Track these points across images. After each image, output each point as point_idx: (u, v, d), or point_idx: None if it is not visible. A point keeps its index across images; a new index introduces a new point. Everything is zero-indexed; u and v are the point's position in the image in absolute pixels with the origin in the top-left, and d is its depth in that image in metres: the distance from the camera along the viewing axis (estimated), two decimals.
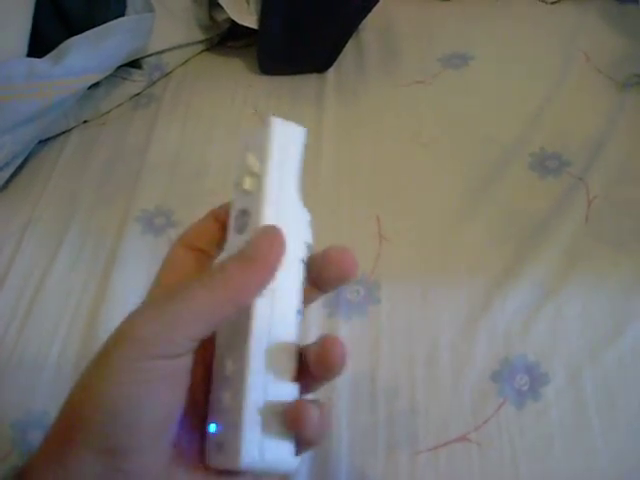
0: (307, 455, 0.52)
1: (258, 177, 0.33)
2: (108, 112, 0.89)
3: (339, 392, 0.55)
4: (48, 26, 0.78)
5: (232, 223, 0.34)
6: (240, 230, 0.33)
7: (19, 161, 0.79)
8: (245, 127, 0.83)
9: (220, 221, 0.35)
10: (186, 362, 0.29)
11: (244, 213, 0.33)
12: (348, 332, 0.60)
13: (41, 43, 0.75)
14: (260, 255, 0.30)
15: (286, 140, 0.34)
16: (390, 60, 0.92)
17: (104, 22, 0.78)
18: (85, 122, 0.87)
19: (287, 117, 0.34)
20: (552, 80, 0.84)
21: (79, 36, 0.75)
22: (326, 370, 0.32)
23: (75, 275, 0.67)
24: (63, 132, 0.86)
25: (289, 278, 0.32)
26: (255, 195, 0.33)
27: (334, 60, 0.91)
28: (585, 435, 0.51)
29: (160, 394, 0.28)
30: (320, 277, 0.34)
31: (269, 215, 0.32)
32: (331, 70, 0.91)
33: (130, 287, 0.65)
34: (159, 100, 0.90)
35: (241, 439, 0.29)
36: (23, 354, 0.61)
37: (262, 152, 0.33)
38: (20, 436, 0.55)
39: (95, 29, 0.77)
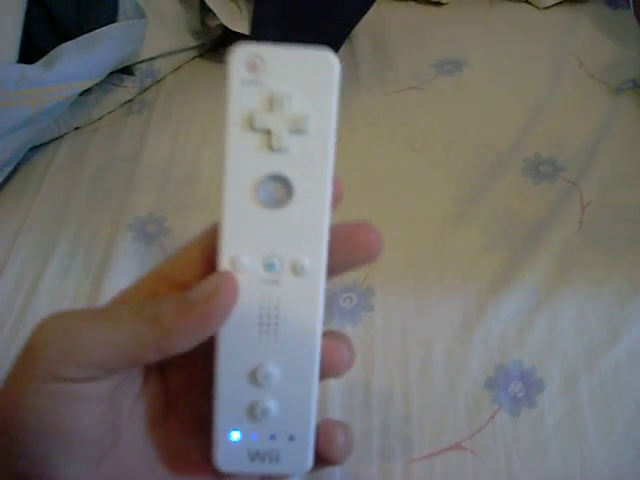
0: None
1: (309, 134, 0.26)
2: (100, 119, 0.88)
3: (333, 399, 0.54)
4: (39, 32, 0.77)
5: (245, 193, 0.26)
6: (274, 203, 0.26)
7: (10, 168, 0.78)
8: None
9: (204, 251, 0.29)
10: (102, 387, 0.27)
11: (277, 179, 0.26)
12: None
13: (32, 49, 0.75)
14: (200, 301, 0.25)
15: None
16: (383, 66, 0.92)
17: (95, 28, 0.77)
18: (77, 129, 0.87)
19: None
20: (546, 85, 0.85)
21: (70, 42, 0.75)
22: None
23: (67, 282, 0.67)
24: (55, 139, 0.85)
25: None
26: (302, 156, 0.26)
27: None
28: (581, 442, 0.51)
29: (69, 417, 0.26)
30: (339, 259, 0.29)
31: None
32: None
33: None
34: (151, 106, 0.90)
35: (306, 448, 0.29)
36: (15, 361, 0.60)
37: (318, 99, 0.25)
38: None
39: (86, 35, 0.76)
